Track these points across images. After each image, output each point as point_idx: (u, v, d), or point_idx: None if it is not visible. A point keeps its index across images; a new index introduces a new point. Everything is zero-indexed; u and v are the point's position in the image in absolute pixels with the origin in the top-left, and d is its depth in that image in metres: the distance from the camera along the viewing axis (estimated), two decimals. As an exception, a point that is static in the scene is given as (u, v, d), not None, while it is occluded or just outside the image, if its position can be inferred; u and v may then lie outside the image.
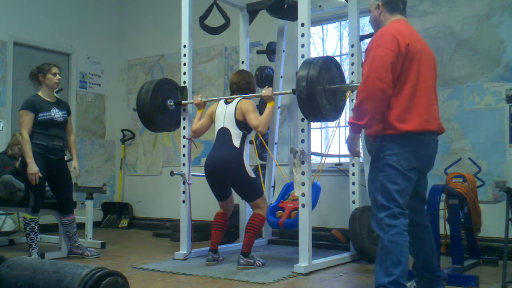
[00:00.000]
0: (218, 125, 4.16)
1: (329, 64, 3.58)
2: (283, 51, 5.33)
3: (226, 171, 3.99)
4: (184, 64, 4.52)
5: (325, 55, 3.90)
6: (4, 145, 5.64)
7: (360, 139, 4.52)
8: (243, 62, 5.18)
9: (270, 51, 5.62)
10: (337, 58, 5.96)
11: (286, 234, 5.32)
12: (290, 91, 3.85)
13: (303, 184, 3.79)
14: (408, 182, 2.69)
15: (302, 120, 3.85)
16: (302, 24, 3.90)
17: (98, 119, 7.31)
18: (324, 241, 5.10)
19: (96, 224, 6.28)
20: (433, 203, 3.56)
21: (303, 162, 3.80)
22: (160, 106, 4.51)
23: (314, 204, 4.42)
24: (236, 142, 4.01)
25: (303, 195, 3.80)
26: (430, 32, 4.94)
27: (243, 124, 4.03)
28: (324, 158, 4.95)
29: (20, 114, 4.39)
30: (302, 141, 3.84)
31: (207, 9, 5.07)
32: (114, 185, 7.44)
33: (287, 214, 4.63)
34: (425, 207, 2.96)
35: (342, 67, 3.83)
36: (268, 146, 5.40)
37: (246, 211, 5.08)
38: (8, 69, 6.23)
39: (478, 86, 4.71)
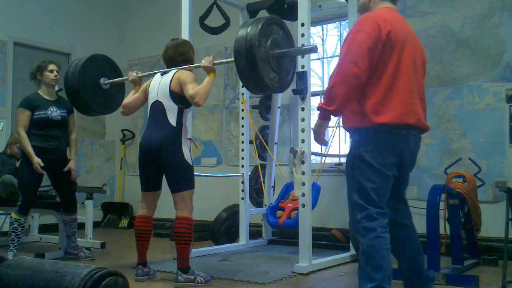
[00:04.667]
0: (151, 99, 3.64)
1: (270, 26, 3.19)
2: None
3: (162, 154, 3.48)
4: (184, 64, 4.51)
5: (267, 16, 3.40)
6: (4, 145, 5.64)
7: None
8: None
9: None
10: (337, 58, 6.03)
11: (286, 234, 5.31)
12: (232, 59, 3.29)
13: (303, 184, 3.79)
14: (385, 179, 2.55)
15: (302, 120, 3.85)
16: (302, 24, 3.90)
17: (98, 119, 7.30)
18: (324, 241, 5.10)
19: (96, 224, 6.28)
20: (433, 203, 3.57)
21: (303, 162, 3.79)
22: (92, 86, 4.06)
23: (314, 204, 4.42)
24: (172, 119, 3.49)
25: (303, 195, 3.79)
26: (430, 32, 4.94)
27: (178, 97, 3.51)
28: (324, 158, 4.95)
29: (17, 112, 4.39)
30: (302, 141, 3.84)
31: (207, 9, 5.07)
32: (114, 185, 7.44)
33: (287, 214, 4.64)
34: (406, 205, 2.81)
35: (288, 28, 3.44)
36: (268, 146, 5.40)
37: (246, 210, 5.08)
38: (8, 69, 6.23)
39: (478, 86, 4.71)
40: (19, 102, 4.48)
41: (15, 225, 4.30)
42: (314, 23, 5.76)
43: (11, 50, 6.28)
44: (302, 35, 3.88)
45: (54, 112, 4.41)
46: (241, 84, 5.08)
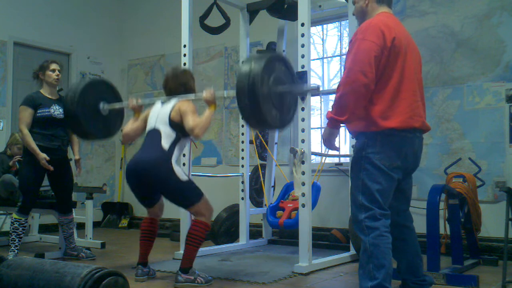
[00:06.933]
0: (149, 127, 3.62)
1: (273, 63, 3.14)
2: (283, 51, 5.34)
3: (150, 175, 3.39)
4: (184, 64, 4.51)
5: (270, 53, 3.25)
6: (4, 145, 5.64)
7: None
8: (243, 62, 5.17)
9: (270, 51, 5.63)
10: (337, 58, 6.03)
11: (286, 234, 5.32)
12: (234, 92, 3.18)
13: (303, 184, 3.79)
14: (390, 181, 2.59)
15: (302, 120, 3.85)
16: (302, 24, 3.90)
17: (98, 119, 7.29)
18: (324, 241, 5.10)
19: (96, 224, 6.28)
20: (433, 203, 3.57)
21: (303, 162, 3.80)
22: (91, 112, 3.86)
23: (314, 204, 4.42)
24: (165, 144, 3.45)
25: (303, 195, 3.80)
26: (430, 32, 4.94)
27: (176, 125, 3.48)
28: (324, 158, 4.95)
29: (19, 110, 4.37)
30: (302, 141, 3.84)
31: (207, 9, 5.07)
32: (114, 185, 7.44)
33: (287, 214, 4.64)
34: (409, 208, 2.85)
35: (289, 62, 3.36)
36: (268, 146, 5.40)
37: (246, 210, 5.09)
38: (8, 69, 6.23)
39: (478, 86, 4.71)
40: (20, 101, 4.47)
41: (15, 225, 4.29)
42: (314, 23, 5.76)
43: (11, 50, 6.27)
44: (302, 35, 3.88)
45: (56, 111, 4.39)
46: (241, 84, 5.07)
